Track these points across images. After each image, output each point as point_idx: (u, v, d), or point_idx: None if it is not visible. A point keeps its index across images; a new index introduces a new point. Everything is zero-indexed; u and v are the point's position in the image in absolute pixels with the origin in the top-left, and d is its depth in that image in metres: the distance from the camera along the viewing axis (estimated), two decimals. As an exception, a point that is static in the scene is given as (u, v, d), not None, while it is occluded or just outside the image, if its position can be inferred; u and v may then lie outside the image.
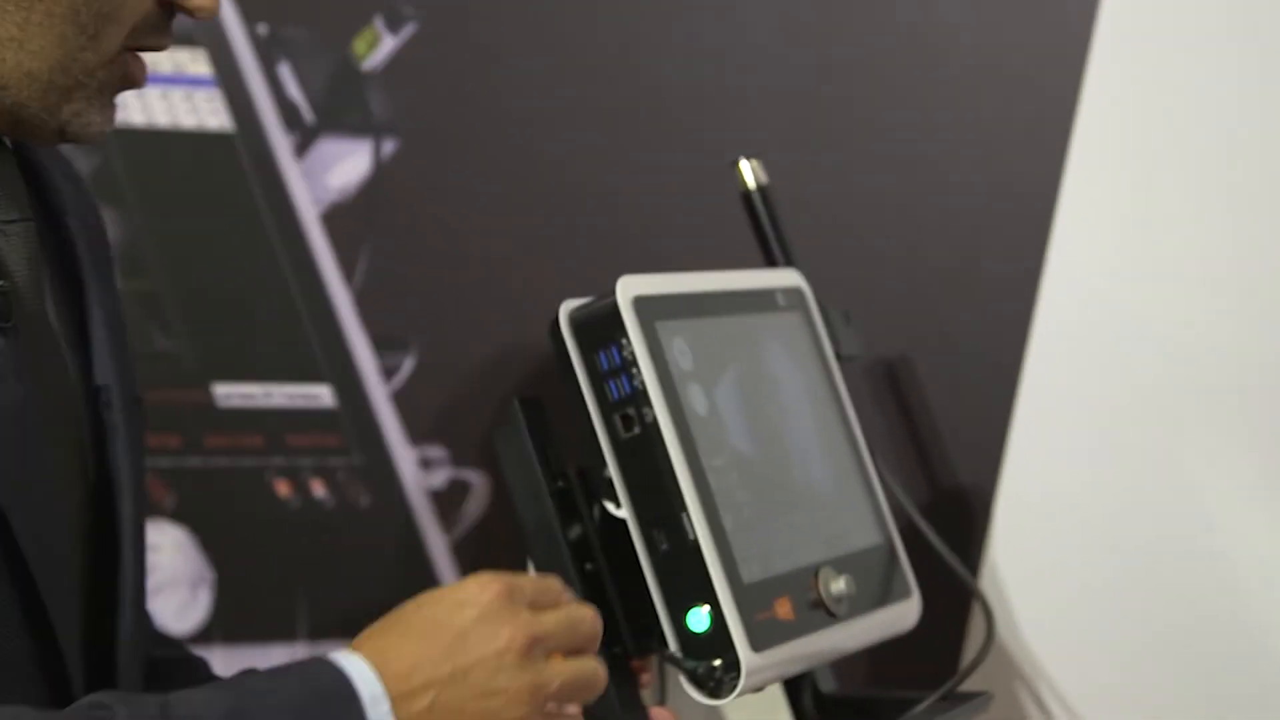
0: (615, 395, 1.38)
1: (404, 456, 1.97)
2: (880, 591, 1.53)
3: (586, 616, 1.20)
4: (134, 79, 1.20)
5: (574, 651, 1.18)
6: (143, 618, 1.27)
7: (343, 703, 1.10)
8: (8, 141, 1.22)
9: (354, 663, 1.12)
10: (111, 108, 1.19)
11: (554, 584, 1.20)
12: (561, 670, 1.16)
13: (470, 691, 1.12)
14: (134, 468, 1.24)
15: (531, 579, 1.19)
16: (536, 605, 1.17)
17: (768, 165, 1.67)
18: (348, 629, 1.22)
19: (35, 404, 1.15)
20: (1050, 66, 1.73)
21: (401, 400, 1.97)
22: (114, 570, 1.22)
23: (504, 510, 1.71)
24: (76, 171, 1.34)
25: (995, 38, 1.76)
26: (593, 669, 1.18)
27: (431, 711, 1.11)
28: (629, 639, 1.39)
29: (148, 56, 1.21)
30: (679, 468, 1.36)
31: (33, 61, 1.14)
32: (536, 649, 1.15)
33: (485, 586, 1.15)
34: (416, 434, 1.97)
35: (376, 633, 1.15)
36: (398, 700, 1.11)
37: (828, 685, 1.62)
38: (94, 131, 1.18)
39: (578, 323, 1.40)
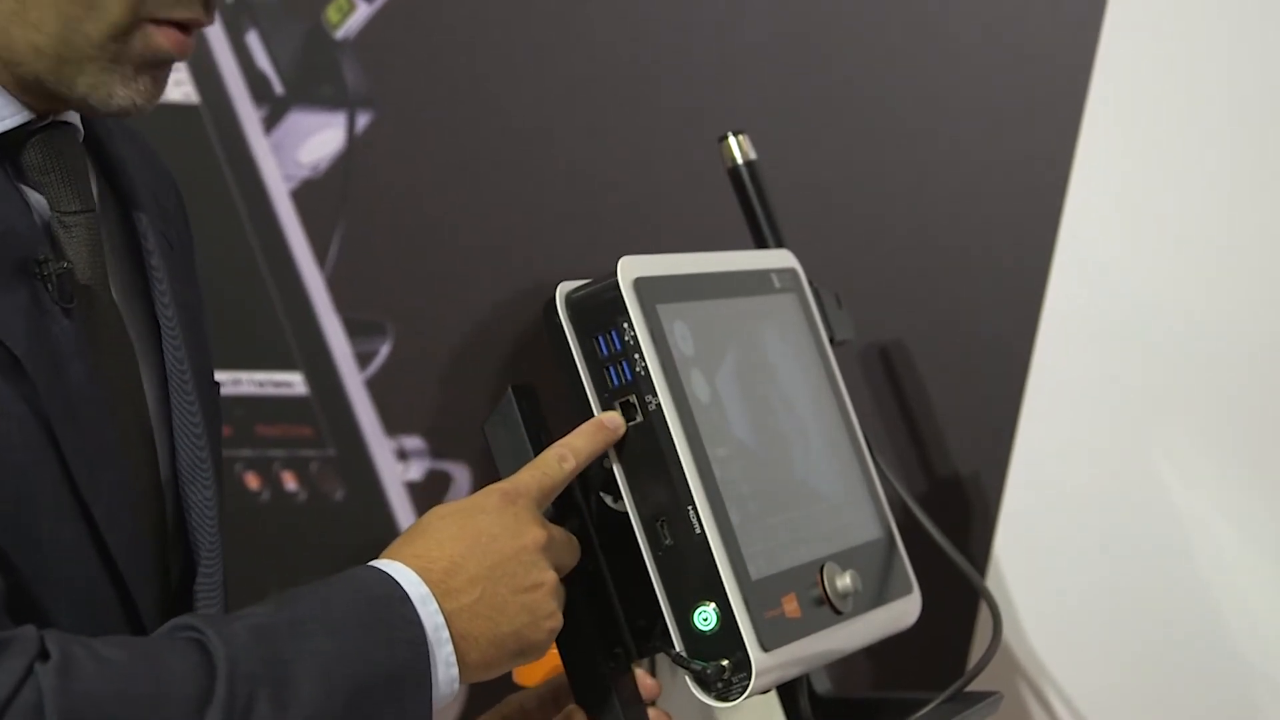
0: (615, 382, 1.33)
1: (380, 447, 1.96)
2: (882, 588, 1.49)
3: (572, 541, 1.30)
4: (159, 49, 1.21)
5: (560, 565, 1.27)
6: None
7: (395, 603, 1.17)
8: (80, 130, 1.25)
9: (395, 567, 1.20)
10: (142, 80, 1.20)
11: (544, 484, 1.28)
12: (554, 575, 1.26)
13: (511, 585, 1.22)
14: (210, 453, 1.28)
15: (518, 481, 1.27)
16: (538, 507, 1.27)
17: (772, 147, 1.64)
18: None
19: (101, 385, 1.19)
20: (1061, 48, 1.72)
21: (377, 388, 1.96)
22: (192, 560, 1.27)
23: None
24: (156, 157, 1.39)
25: (1005, 18, 1.75)
26: (563, 589, 1.27)
27: (478, 605, 1.20)
28: (629, 638, 1.34)
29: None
30: (684, 458, 1.31)
31: (35, 35, 1.17)
32: (550, 547, 1.25)
33: (487, 494, 1.25)
34: (393, 424, 1.95)
35: (404, 543, 1.22)
36: (443, 597, 1.19)
37: (822, 686, 1.58)
38: (119, 104, 1.20)
39: (575, 305, 1.35)
